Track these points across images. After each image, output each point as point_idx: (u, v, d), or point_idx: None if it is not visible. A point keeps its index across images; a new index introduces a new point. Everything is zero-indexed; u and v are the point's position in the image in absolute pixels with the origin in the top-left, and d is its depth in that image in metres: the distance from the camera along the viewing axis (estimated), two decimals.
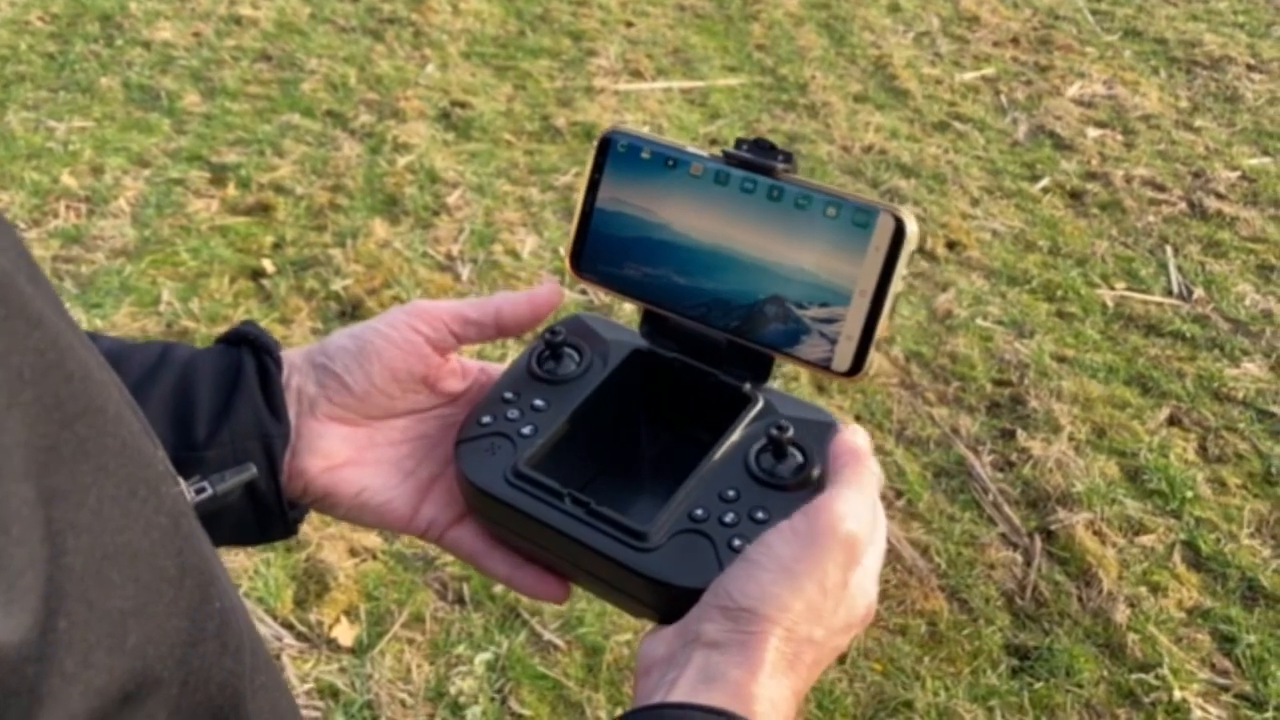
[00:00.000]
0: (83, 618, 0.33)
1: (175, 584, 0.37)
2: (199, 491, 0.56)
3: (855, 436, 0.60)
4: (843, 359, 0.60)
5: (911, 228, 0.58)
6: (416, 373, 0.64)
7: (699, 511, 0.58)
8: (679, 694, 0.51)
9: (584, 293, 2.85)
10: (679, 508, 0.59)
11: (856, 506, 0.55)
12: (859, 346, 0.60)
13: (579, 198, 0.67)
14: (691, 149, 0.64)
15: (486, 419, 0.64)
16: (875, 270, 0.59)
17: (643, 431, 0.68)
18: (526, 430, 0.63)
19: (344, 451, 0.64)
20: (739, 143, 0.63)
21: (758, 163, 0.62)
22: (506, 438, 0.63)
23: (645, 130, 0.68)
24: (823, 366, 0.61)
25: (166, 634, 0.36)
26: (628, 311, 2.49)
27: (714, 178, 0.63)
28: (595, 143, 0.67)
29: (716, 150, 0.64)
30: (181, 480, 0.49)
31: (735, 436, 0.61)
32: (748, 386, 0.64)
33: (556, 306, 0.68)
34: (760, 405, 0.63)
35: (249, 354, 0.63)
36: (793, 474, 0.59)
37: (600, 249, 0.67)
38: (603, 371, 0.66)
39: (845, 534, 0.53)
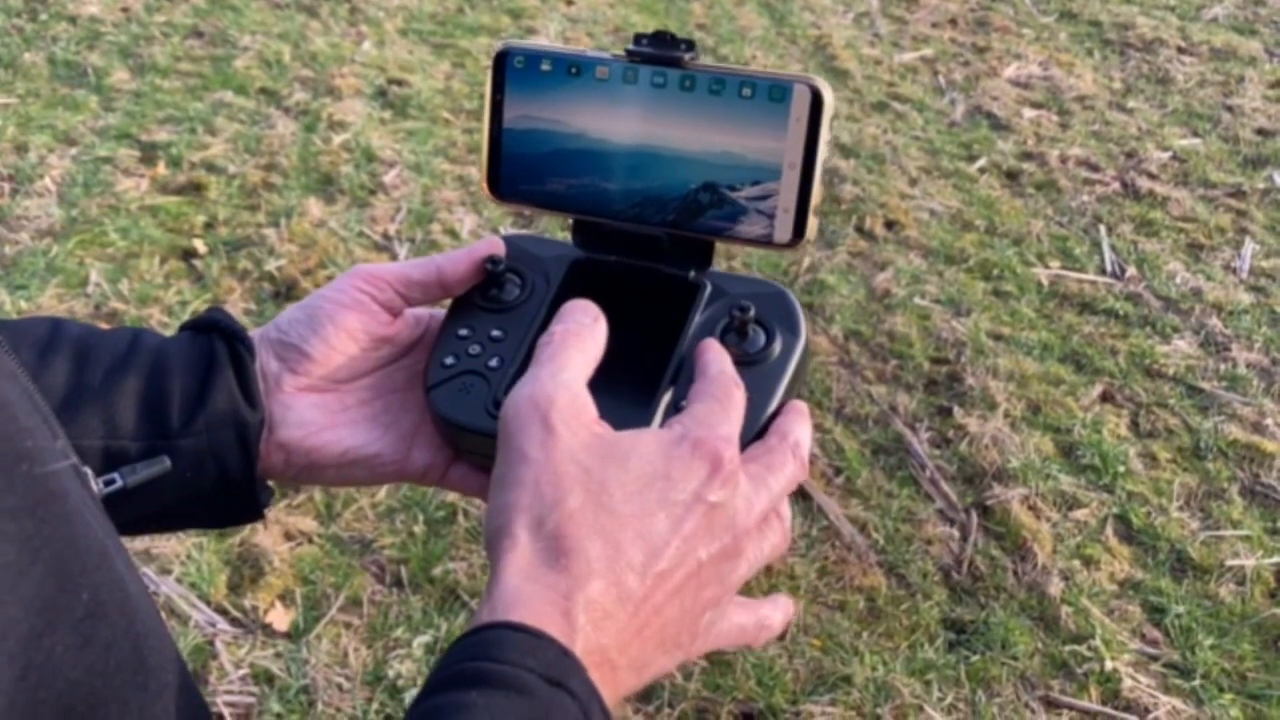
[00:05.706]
0: None
1: (18, 570, 0.35)
2: (108, 484, 0.56)
3: (723, 362, 0.58)
4: (783, 230, 0.62)
5: (828, 95, 0.60)
6: (371, 332, 0.65)
7: (684, 404, 0.59)
8: None
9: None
10: (665, 404, 0.60)
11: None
12: (796, 216, 0.62)
13: (484, 120, 0.66)
14: (592, 52, 0.64)
15: (449, 360, 0.64)
16: (800, 141, 0.61)
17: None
18: (494, 363, 0.63)
19: (318, 418, 0.65)
20: (638, 38, 0.62)
21: (663, 55, 0.62)
22: (477, 374, 0.63)
23: (540, 41, 0.66)
24: (764, 241, 0.63)
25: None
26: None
27: (621, 77, 0.63)
28: (490, 60, 0.65)
29: (618, 50, 0.63)
30: (88, 471, 0.48)
31: (695, 324, 0.63)
32: (692, 274, 0.65)
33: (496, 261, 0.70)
34: (709, 289, 0.64)
35: (220, 341, 0.63)
36: (759, 351, 0.61)
37: (517, 169, 0.67)
38: (548, 290, 0.66)
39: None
